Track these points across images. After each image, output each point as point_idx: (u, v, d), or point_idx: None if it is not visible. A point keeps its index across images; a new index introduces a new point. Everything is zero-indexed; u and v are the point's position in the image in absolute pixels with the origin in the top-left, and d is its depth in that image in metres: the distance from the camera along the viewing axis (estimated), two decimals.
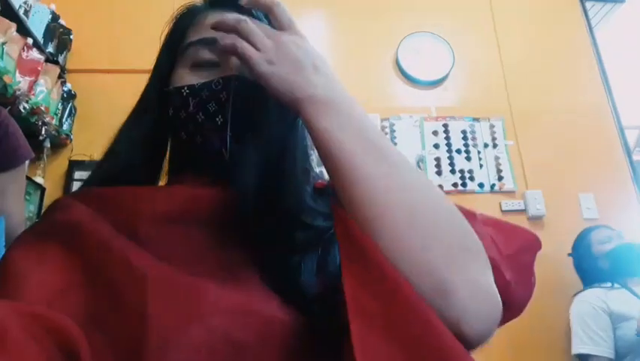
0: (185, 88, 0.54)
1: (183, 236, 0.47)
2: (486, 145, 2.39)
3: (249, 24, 0.48)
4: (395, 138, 2.36)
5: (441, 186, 2.24)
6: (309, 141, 0.54)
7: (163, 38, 0.61)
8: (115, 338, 0.37)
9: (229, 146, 0.52)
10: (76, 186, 2.17)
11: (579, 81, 2.57)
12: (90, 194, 0.51)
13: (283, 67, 0.46)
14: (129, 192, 0.51)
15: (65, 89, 2.24)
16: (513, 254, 0.49)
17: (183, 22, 0.60)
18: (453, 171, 2.33)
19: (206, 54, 0.55)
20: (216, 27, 0.51)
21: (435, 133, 2.40)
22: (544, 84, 2.53)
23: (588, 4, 2.81)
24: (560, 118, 2.44)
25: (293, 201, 0.51)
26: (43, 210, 2.22)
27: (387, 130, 2.37)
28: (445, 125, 2.41)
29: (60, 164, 2.24)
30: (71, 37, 2.36)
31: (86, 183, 0.56)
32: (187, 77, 0.55)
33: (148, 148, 0.57)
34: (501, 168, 2.35)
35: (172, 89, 0.55)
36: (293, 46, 0.48)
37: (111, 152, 0.56)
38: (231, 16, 0.50)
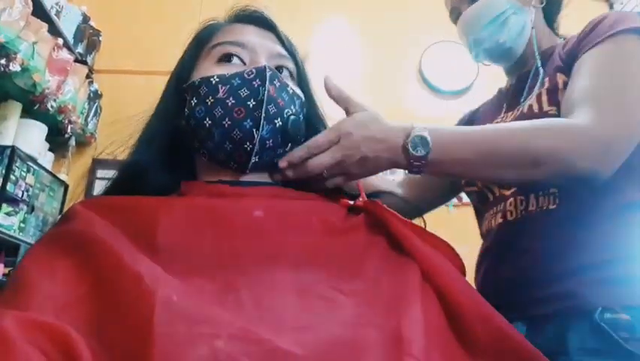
0: (215, 77, 0.56)
1: (201, 248, 0.47)
2: None
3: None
4: None
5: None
6: None
7: (187, 45, 0.64)
8: (119, 353, 0.36)
9: (261, 126, 0.52)
10: (98, 184, 2.21)
11: None
12: (106, 204, 0.51)
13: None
14: (145, 202, 0.51)
15: (92, 89, 2.28)
16: None
17: (212, 28, 0.63)
18: None
19: (234, 52, 0.58)
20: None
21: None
22: None
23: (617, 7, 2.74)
24: None
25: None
26: (65, 207, 2.27)
27: None
28: None
29: (84, 162, 2.28)
30: (100, 38, 2.41)
31: (107, 188, 0.57)
32: (214, 70, 0.57)
33: (166, 149, 0.58)
34: None
35: (198, 80, 0.57)
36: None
37: (133, 154, 0.57)
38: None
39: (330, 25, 2.61)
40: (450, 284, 0.50)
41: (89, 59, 2.34)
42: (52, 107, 1.91)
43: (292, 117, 0.56)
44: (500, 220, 0.73)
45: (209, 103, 0.54)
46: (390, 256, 0.52)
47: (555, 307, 0.58)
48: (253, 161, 0.54)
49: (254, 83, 0.54)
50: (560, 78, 0.70)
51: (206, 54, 0.59)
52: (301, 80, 0.63)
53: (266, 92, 0.53)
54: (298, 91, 0.61)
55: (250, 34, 0.60)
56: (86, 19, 2.31)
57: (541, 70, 0.74)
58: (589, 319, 0.58)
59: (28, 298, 0.39)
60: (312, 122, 0.62)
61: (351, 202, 0.58)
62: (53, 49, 1.92)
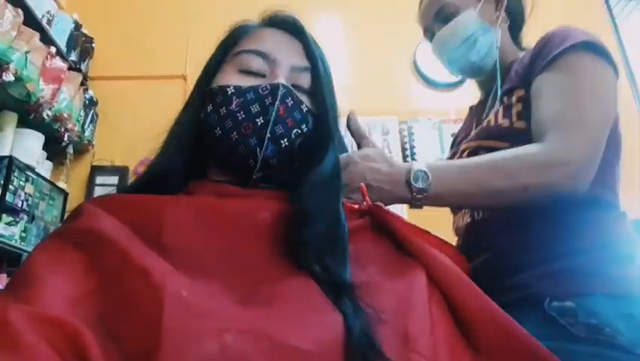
0: (232, 87, 0.56)
1: (207, 247, 0.47)
2: None
3: None
4: (414, 140, 2.33)
5: None
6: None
7: (217, 46, 0.64)
8: (127, 347, 0.36)
9: (265, 146, 0.53)
10: (98, 190, 2.21)
11: None
12: (114, 201, 0.51)
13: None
14: (154, 200, 0.51)
15: (87, 96, 2.28)
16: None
17: (238, 33, 0.63)
18: None
19: (255, 63, 0.58)
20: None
21: (454, 135, 2.37)
22: None
23: (612, 2, 2.74)
24: None
25: (329, 211, 0.52)
26: (65, 215, 2.27)
27: (406, 133, 2.34)
28: None
29: (82, 169, 2.28)
30: (93, 45, 2.41)
31: (128, 188, 0.58)
32: (233, 79, 0.57)
33: (188, 145, 0.58)
34: None
35: (216, 87, 0.57)
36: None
37: (160, 156, 0.59)
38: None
39: (325, 18, 2.61)
40: (456, 285, 0.50)
41: (83, 66, 2.33)
42: (47, 115, 1.91)
43: (300, 138, 0.56)
44: (469, 220, 0.81)
45: (222, 113, 0.55)
46: (396, 258, 0.53)
47: (511, 297, 0.64)
48: (255, 177, 0.55)
49: (266, 100, 0.54)
50: (515, 95, 0.78)
51: (230, 59, 0.60)
52: (319, 92, 0.60)
53: (274, 113, 0.53)
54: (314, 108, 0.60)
55: (275, 43, 0.60)
56: (78, 26, 2.30)
57: (499, 90, 0.82)
58: (540, 307, 0.65)
59: (36, 292, 0.39)
60: (319, 136, 0.59)
61: (356, 206, 0.59)
62: (46, 57, 1.92)
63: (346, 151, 0.68)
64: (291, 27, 0.62)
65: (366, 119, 2.37)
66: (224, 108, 0.55)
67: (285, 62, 0.59)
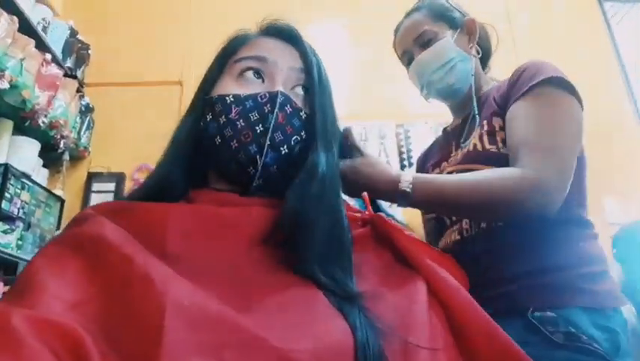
0: (230, 96, 0.57)
1: (209, 255, 0.47)
2: None
3: None
4: (410, 144, 2.34)
5: None
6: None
7: (216, 55, 0.64)
8: (127, 355, 0.36)
9: (265, 154, 0.53)
10: (94, 197, 2.20)
11: (599, 82, 2.52)
12: (117, 208, 0.51)
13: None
14: (156, 208, 0.51)
15: (83, 102, 2.28)
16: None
17: (237, 42, 0.63)
18: None
19: (254, 68, 0.58)
20: None
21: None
22: None
23: (607, 5, 2.76)
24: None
25: (330, 222, 0.52)
26: (62, 222, 2.26)
27: (402, 136, 2.35)
28: None
29: (79, 176, 2.28)
30: (89, 51, 2.41)
31: (131, 195, 0.57)
32: (232, 87, 0.58)
33: (189, 153, 0.58)
34: None
35: (215, 97, 0.58)
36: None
37: (162, 164, 0.58)
38: None
39: (321, 25, 2.61)
40: (454, 299, 0.50)
41: (78, 73, 2.33)
42: (43, 122, 1.91)
43: (300, 145, 0.56)
44: (458, 237, 0.87)
45: (221, 122, 0.56)
46: (396, 269, 0.53)
47: (496, 307, 0.67)
48: (255, 184, 0.55)
49: (265, 108, 0.55)
50: (497, 122, 0.85)
51: (230, 67, 0.61)
52: (316, 97, 0.59)
53: (273, 121, 0.54)
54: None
55: (273, 49, 0.61)
56: (73, 33, 2.30)
57: (477, 117, 0.89)
58: (522, 316, 0.72)
59: (38, 296, 0.39)
60: (316, 141, 0.58)
61: (358, 215, 0.58)
62: (42, 64, 1.91)
63: (350, 156, 0.75)
64: (288, 35, 0.63)
65: (362, 123, 2.38)
66: (223, 117, 0.55)
67: (283, 65, 0.59)
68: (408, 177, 0.73)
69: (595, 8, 2.72)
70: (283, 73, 0.59)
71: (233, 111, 0.55)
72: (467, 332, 0.48)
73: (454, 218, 0.89)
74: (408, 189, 0.72)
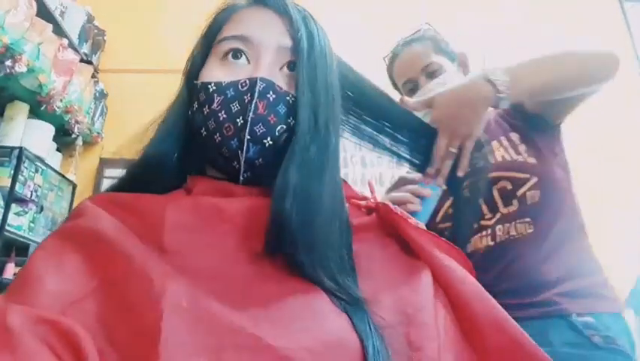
0: (212, 84, 0.53)
1: (208, 249, 0.46)
2: None
3: None
4: None
5: None
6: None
7: (201, 33, 0.60)
8: (124, 353, 0.36)
9: (245, 149, 0.50)
10: (106, 183, 2.22)
11: (618, 86, 2.48)
12: (115, 201, 0.50)
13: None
14: (155, 200, 0.50)
15: (98, 88, 2.29)
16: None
17: (221, 18, 0.59)
18: None
19: (238, 50, 0.54)
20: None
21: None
22: None
23: (627, 5, 2.70)
24: (595, 120, 2.36)
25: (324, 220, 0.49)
26: (74, 207, 2.28)
27: None
28: None
29: (91, 161, 2.30)
30: (105, 37, 2.42)
31: (118, 183, 0.56)
32: (216, 72, 0.54)
33: (177, 143, 0.56)
34: None
35: (199, 84, 0.54)
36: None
37: (146, 148, 0.56)
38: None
39: (329, 12, 2.60)
40: (462, 288, 0.49)
41: (94, 59, 2.35)
42: (58, 107, 1.92)
43: (287, 133, 0.51)
44: (491, 243, 0.91)
45: (205, 113, 0.52)
46: (401, 259, 0.51)
47: (539, 311, 0.80)
48: (243, 178, 0.52)
49: (245, 97, 0.51)
50: (514, 137, 0.93)
51: (215, 47, 0.56)
52: (302, 75, 0.54)
53: (251, 113, 0.50)
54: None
55: (260, 25, 0.56)
56: (90, 18, 2.31)
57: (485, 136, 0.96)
58: (566, 320, 0.80)
59: (36, 293, 0.38)
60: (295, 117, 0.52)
61: (362, 202, 0.57)
62: (58, 49, 1.93)
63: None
64: (275, 3, 0.56)
65: None
66: (207, 107, 0.52)
67: (270, 43, 0.54)
68: (494, 70, 0.76)
69: (615, 9, 2.66)
70: (270, 52, 0.53)
71: (216, 101, 0.51)
72: (475, 322, 0.47)
73: (482, 223, 0.92)
74: (505, 78, 0.75)
